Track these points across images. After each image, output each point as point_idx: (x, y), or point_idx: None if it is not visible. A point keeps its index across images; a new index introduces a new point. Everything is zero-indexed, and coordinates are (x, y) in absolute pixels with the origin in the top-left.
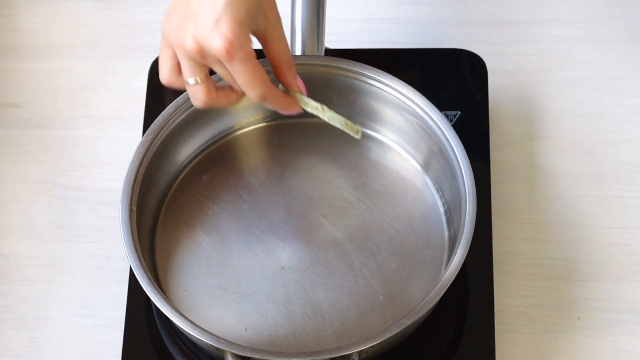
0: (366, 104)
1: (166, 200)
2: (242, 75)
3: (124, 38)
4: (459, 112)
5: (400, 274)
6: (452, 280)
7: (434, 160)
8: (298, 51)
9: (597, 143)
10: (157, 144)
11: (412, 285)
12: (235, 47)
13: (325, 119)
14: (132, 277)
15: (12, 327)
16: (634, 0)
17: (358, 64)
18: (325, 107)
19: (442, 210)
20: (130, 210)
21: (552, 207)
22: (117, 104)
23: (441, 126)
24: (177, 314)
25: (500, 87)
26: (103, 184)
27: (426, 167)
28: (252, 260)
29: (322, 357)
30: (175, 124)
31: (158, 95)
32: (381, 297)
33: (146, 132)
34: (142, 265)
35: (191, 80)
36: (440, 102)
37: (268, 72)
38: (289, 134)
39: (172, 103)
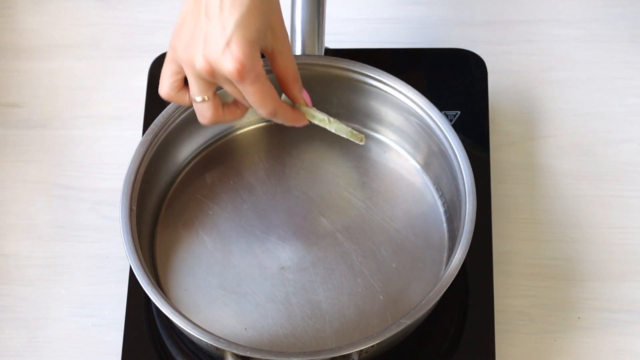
0: (366, 104)
1: (166, 200)
2: (253, 94)
3: (124, 38)
4: (459, 112)
5: (400, 274)
6: (452, 280)
7: (434, 160)
8: (298, 51)
9: (597, 143)
10: (157, 144)
11: (412, 285)
12: (246, 69)
13: (332, 130)
14: (132, 277)
15: (12, 327)
16: (634, 0)
17: (358, 64)
18: (331, 119)
19: (442, 210)
20: (130, 210)
21: (552, 207)
22: (117, 104)
23: (441, 126)
24: (177, 314)
25: (500, 87)
26: (103, 184)
27: (426, 167)
28: (252, 260)
29: (322, 357)
30: (175, 124)
31: (158, 95)
32: (381, 297)
33: (146, 132)
34: (142, 265)
35: (199, 98)
36: (440, 102)
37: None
38: (289, 134)
39: (172, 103)
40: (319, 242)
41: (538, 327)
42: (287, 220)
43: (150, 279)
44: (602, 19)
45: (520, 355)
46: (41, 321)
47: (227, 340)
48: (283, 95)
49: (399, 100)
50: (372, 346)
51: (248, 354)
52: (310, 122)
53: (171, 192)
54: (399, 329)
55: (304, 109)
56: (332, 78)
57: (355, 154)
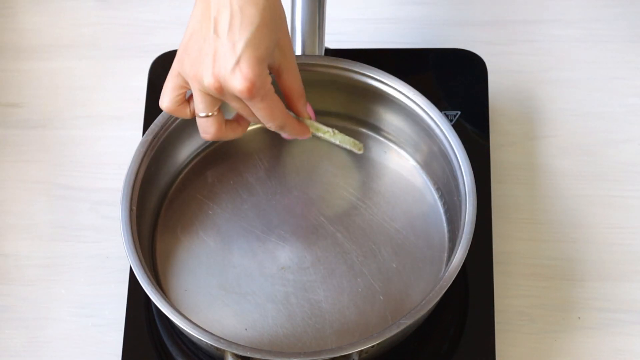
0: (366, 104)
1: (166, 200)
2: (263, 110)
3: (124, 38)
4: (459, 112)
5: (400, 274)
6: (452, 280)
7: (434, 160)
8: (298, 51)
9: (597, 143)
10: (157, 144)
11: (412, 285)
12: (256, 87)
13: (337, 142)
14: (132, 277)
15: (12, 327)
16: (634, 0)
17: (358, 64)
18: (335, 131)
19: (442, 210)
20: (130, 210)
21: (552, 207)
22: (117, 104)
23: (441, 126)
24: (177, 314)
25: (500, 87)
26: (103, 184)
27: (426, 167)
28: (252, 260)
29: (322, 357)
30: (175, 124)
31: (158, 95)
32: (381, 297)
33: (146, 132)
34: (142, 265)
35: (203, 114)
36: (440, 102)
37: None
38: None
39: None
40: (319, 242)
41: (538, 327)
42: (287, 220)
43: (150, 279)
44: (602, 19)
45: (520, 355)
46: (41, 321)
47: (227, 341)
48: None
49: (399, 100)
50: (372, 346)
51: (248, 354)
52: (314, 134)
53: (171, 192)
54: (399, 329)
55: (308, 122)
56: (332, 78)
57: (355, 154)
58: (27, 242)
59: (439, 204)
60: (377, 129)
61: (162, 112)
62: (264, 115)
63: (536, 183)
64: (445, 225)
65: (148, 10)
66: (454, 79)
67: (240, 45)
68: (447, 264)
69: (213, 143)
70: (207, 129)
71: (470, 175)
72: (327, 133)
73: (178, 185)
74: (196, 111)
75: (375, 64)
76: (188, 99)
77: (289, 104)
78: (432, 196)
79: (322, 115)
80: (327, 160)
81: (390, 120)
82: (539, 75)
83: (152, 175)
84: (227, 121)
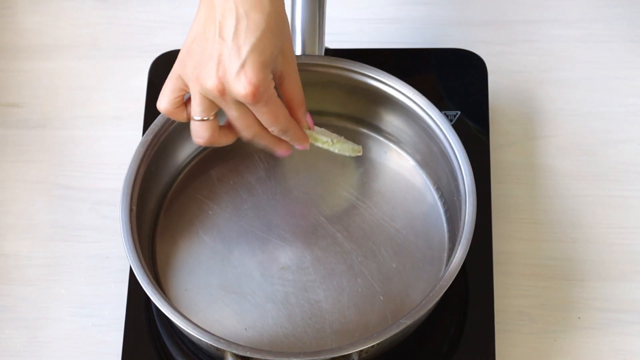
0: (366, 104)
1: (166, 200)
2: (266, 114)
3: (124, 38)
4: (459, 112)
5: (400, 274)
6: (452, 280)
7: (434, 160)
8: (298, 51)
9: (597, 143)
10: (157, 144)
11: (412, 285)
12: (260, 92)
13: (336, 151)
14: (132, 277)
15: (12, 327)
16: (634, 0)
17: (358, 64)
18: (334, 140)
19: (442, 210)
20: (130, 210)
21: (552, 207)
22: (117, 104)
23: (441, 126)
24: (177, 314)
25: (500, 87)
26: (103, 184)
27: (426, 167)
28: (252, 260)
29: (322, 357)
30: (175, 124)
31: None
32: (381, 297)
33: (146, 132)
34: (142, 265)
35: (198, 117)
36: (440, 102)
37: None
38: None
39: None
40: (319, 242)
41: (538, 327)
42: (287, 220)
43: (150, 279)
44: (602, 19)
45: (520, 355)
46: (41, 321)
47: (227, 341)
48: None
49: (399, 101)
50: (372, 346)
51: (248, 354)
52: (312, 144)
53: (171, 192)
54: (399, 329)
55: (307, 132)
56: (332, 78)
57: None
58: (27, 242)
59: (439, 204)
60: (377, 129)
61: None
62: (268, 120)
63: (536, 183)
64: (445, 225)
65: (148, 10)
66: (454, 79)
67: (245, 49)
68: (447, 264)
69: None
70: (202, 133)
71: (470, 175)
72: (326, 143)
73: (178, 185)
74: (192, 114)
75: (375, 64)
76: (185, 102)
77: (289, 112)
78: (432, 196)
79: (322, 115)
80: (327, 160)
81: (390, 120)
82: (539, 75)
83: (152, 175)
84: (220, 127)
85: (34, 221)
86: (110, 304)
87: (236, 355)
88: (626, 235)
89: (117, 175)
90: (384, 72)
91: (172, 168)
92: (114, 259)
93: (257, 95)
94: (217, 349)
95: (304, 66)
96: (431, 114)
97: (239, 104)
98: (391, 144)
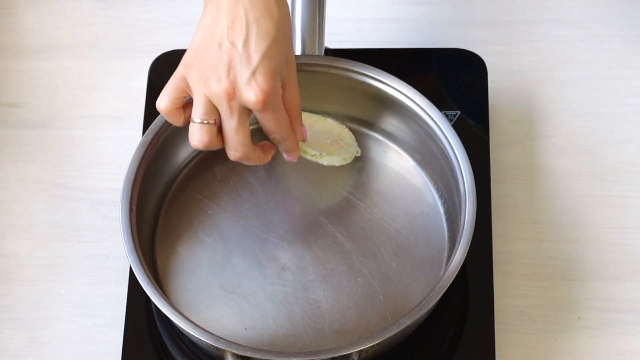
0: (366, 104)
1: (166, 200)
2: (271, 121)
3: (124, 38)
4: (459, 112)
5: (400, 274)
6: (452, 280)
7: (434, 160)
8: (298, 51)
9: (597, 143)
10: (157, 144)
11: (412, 285)
12: (270, 99)
13: (325, 163)
14: (132, 277)
15: (12, 327)
16: (634, 0)
17: (358, 64)
18: (323, 153)
19: (442, 210)
20: (130, 210)
21: (552, 207)
22: (117, 104)
23: (441, 126)
24: (177, 314)
25: (500, 87)
26: (103, 184)
27: (426, 167)
28: (252, 260)
29: (322, 357)
30: None
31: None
32: (381, 297)
33: (146, 132)
34: (142, 265)
35: (198, 120)
36: (440, 102)
37: None
38: None
39: None
40: (319, 242)
41: (538, 327)
42: (287, 220)
43: (150, 279)
44: (602, 19)
45: (520, 355)
46: (41, 321)
47: (227, 340)
48: None
49: (399, 100)
50: (372, 346)
51: (248, 354)
52: (301, 156)
53: (171, 192)
54: (399, 329)
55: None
56: (332, 78)
57: (355, 154)
58: (27, 242)
59: (439, 203)
60: (377, 129)
61: None
62: (272, 126)
63: (536, 183)
64: (445, 225)
65: (148, 10)
66: (454, 79)
67: (256, 57)
68: (447, 264)
69: None
70: (201, 136)
71: (470, 175)
72: (315, 156)
73: (178, 185)
74: (193, 116)
75: (375, 64)
76: (184, 106)
77: None
78: (432, 196)
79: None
80: None
81: (390, 120)
82: (539, 75)
83: (152, 175)
84: (218, 132)
85: (34, 221)
86: (110, 304)
87: (236, 355)
88: (626, 235)
89: (117, 175)
90: (384, 72)
91: (172, 168)
92: (114, 259)
93: (267, 102)
94: (217, 349)
95: (304, 66)
96: (431, 114)
97: (242, 111)
98: (391, 144)
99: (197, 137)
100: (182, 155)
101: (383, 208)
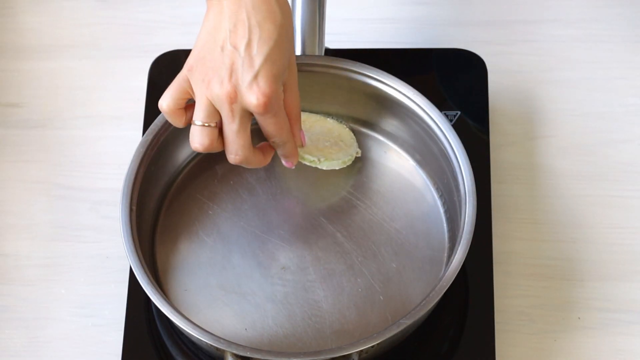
0: (366, 104)
1: (166, 200)
2: (272, 125)
3: (124, 38)
4: (459, 112)
5: (400, 274)
6: (452, 280)
7: (434, 160)
8: (298, 51)
9: (597, 143)
10: (157, 144)
11: (412, 285)
12: (271, 102)
13: (324, 168)
14: (132, 277)
15: (12, 327)
16: (634, 0)
17: (358, 64)
18: (321, 158)
19: (442, 210)
20: (130, 210)
21: (552, 207)
22: (117, 104)
23: (441, 126)
24: (177, 314)
25: (500, 87)
26: (103, 184)
27: (426, 167)
28: (252, 260)
29: (322, 357)
30: None
31: (158, 95)
32: (381, 297)
33: (146, 132)
34: (142, 265)
35: (199, 122)
36: (440, 102)
37: None
38: None
39: None
40: (319, 242)
41: (538, 327)
42: (287, 220)
43: (150, 279)
44: (602, 19)
45: (520, 355)
46: (41, 321)
47: (227, 341)
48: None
49: (399, 100)
50: (372, 346)
51: (248, 354)
52: (300, 162)
53: (171, 192)
54: (399, 329)
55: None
56: (332, 78)
57: (355, 154)
58: (27, 242)
59: (439, 203)
60: (377, 129)
61: None
62: (272, 130)
63: (536, 183)
64: (445, 225)
65: (148, 10)
66: (454, 79)
67: (259, 60)
68: (447, 264)
69: None
70: (202, 139)
71: (470, 175)
72: (314, 162)
73: (178, 185)
74: (194, 119)
75: (375, 64)
76: (185, 108)
77: None
78: (432, 196)
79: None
80: None
81: (390, 120)
82: (539, 75)
83: (152, 175)
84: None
85: (34, 221)
86: (110, 304)
87: (236, 355)
88: (626, 235)
89: (117, 175)
90: (384, 72)
91: (172, 168)
92: (114, 259)
93: (269, 105)
94: (217, 349)
95: (304, 66)
96: (431, 114)
97: (244, 115)
98: (391, 144)
99: (198, 139)
100: (182, 155)
101: (383, 208)
